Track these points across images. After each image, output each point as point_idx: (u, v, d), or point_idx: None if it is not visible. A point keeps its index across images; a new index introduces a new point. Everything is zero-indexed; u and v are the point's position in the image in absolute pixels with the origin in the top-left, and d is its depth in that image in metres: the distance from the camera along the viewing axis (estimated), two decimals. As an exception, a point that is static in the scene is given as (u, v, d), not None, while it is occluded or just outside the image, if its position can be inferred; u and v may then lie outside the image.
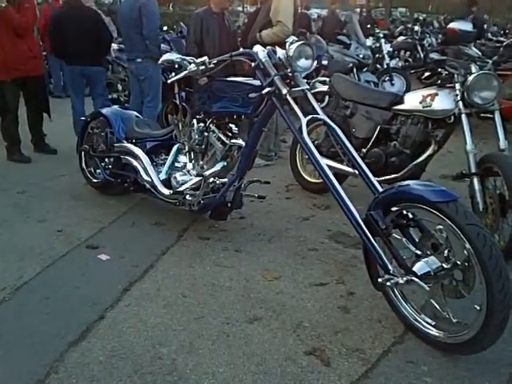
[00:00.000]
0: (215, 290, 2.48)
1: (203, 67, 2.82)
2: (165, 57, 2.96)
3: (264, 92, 2.57)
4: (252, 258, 2.81)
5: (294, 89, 2.57)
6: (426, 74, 7.42)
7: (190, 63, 2.85)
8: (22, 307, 2.31)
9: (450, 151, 4.33)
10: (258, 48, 2.71)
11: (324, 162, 2.34)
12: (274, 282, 2.57)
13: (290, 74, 2.57)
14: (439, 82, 6.59)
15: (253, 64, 2.66)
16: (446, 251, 1.97)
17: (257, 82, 2.70)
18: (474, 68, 3.06)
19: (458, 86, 3.04)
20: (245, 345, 2.07)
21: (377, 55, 8.71)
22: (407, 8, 36.65)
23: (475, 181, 2.91)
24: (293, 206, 3.66)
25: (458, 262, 1.92)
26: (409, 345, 2.11)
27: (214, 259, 2.80)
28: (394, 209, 2.08)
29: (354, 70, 7.36)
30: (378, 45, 9.04)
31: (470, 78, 2.95)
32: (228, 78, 2.88)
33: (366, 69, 7.95)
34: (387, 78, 8.19)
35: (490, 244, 1.79)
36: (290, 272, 2.67)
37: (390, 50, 9.05)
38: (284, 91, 2.50)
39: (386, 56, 8.54)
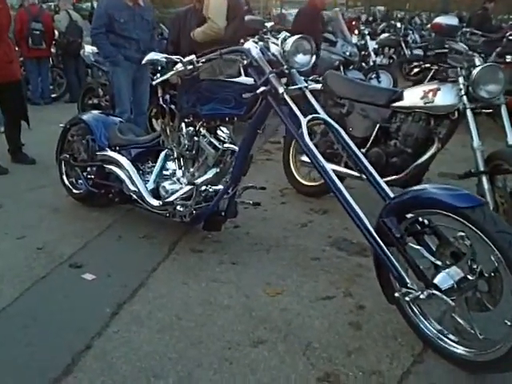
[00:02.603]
0: (213, 309, 2.26)
1: (191, 66, 2.60)
2: (149, 56, 2.74)
3: (259, 91, 2.36)
4: (251, 271, 2.61)
5: (290, 87, 2.38)
6: (416, 70, 7.30)
7: (177, 63, 2.64)
8: (-2, 338, 2.07)
9: (446, 148, 4.18)
10: (249, 44, 2.51)
11: (329, 166, 2.15)
12: (277, 297, 2.36)
13: (287, 71, 2.37)
14: (429, 77, 6.49)
15: (245, 61, 2.46)
16: (469, 260, 1.79)
17: (250, 81, 2.50)
18: (477, 60, 2.91)
19: (461, 79, 2.88)
20: (250, 372, 1.86)
21: (362, 52, 8.58)
22: (386, 6, 36.85)
23: (484, 179, 2.75)
24: (289, 212, 3.46)
25: (485, 273, 1.74)
26: (430, 364, 1.92)
27: (210, 274, 2.58)
28: (409, 215, 1.89)
29: (341, 68, 7.23)
30: (363, 42, 8.92)
31: (475, 71, 2.79)
32: (218, 78, 2.68)
33: (351, 66, 7.82)
34: (374, 75, 8.06)
35: (525, 253, 1.60)
36: (293, 285, 2.46)
37: (376, 46, 8.94)
38: (281, 90, 2.30)
39: (372, 53, 8.42)
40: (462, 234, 1.78)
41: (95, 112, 3.68)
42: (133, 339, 2.05)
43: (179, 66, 2.63)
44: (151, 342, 2.03)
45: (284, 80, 2.42)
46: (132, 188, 2.96)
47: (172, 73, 2.67)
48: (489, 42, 6.58)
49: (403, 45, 10.60)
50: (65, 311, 2.25)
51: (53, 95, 7.90)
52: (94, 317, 2.20)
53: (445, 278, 1.79)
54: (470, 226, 1.67)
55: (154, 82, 2.86)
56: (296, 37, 2.34)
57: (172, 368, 1.88)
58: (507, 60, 4.97)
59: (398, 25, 12.88)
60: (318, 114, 2.32)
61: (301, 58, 2.35)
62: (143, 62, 2.83)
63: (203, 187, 2.67)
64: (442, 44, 5.79)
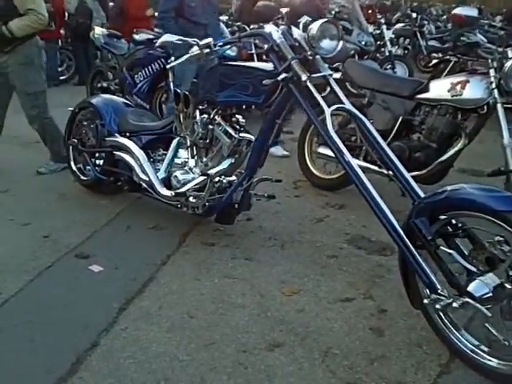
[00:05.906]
0: (226, 308, 2.14)
1: (208, 50, 2.47)
2: (163, 38, 2.62)
3: (280, 78, 2.23)
4: (265, 268, 2.48)
5: (314, 75, 2.24)
6: (434, 61, 7.10)
7: (193, 46, 2.50)
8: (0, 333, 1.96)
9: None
10: (270, 27, 2.37)
11: (355, 161, 2.02)
12: (293, 297, 2.24)
13: (311, 58, 2.23)
14: (448, 69, 6.25)
15: (265, 46, 2.32)
16: (507, 267, 1.66)
17: (269, 67, 2.36)
18: (510, 53, 2.74)
19: (492, 72, 2.73)
20: (267, 379, 1.74)
21: (378, 42, 8.36)
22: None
23: (514, 179, 2.60)
24: (303, 206, 3.33)
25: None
26: (457, 375, 1.80)
27: (222, 269, 2.46)
28: (442, 217, 1.76)
29: (356, 57, 7.03)
30: (378, 31, 8.69)
31: (508, 63, 2.63)
32: (236, 63, 2.54)
33: (366, 56, 7.61)
34: (389, 65, 7.84)
35: None
36: (310, 285, 2.34)
37: (392, 36, 8.70)
38: (304, 77, 2.16)
39: (388, 43, 8.20)
40: (500, 238, 1.65)
41: (105, 95, 3.55)
42: (142, 338, 1.94)
43: (195, 50, 2.50)
44: (161, 342, 1.91)
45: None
46: (142, 176, 2.83)
47: (187, 56, 2.54)
48: (510, 35, 6.37)
49: (419, 35, 10.36)
50: (70, 305, 2.14)
51: (61, 77, 7.76)
52: (100, 312, 2.09)
53: (480, 286, 1.66)
54: (512, 230, 1.53)
55: (168, 66, 2.72)
56: (322, 20, 2.20)
57: (183, 371, 1.77)
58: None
59: (414, 15, 12.58)
60: (343, 103, 2.18)
61: (327, 44, 2.21)
62: (157, 44, 2.70)
63: (217, 178, 2.54)
64: (460, 36, 5.57)
